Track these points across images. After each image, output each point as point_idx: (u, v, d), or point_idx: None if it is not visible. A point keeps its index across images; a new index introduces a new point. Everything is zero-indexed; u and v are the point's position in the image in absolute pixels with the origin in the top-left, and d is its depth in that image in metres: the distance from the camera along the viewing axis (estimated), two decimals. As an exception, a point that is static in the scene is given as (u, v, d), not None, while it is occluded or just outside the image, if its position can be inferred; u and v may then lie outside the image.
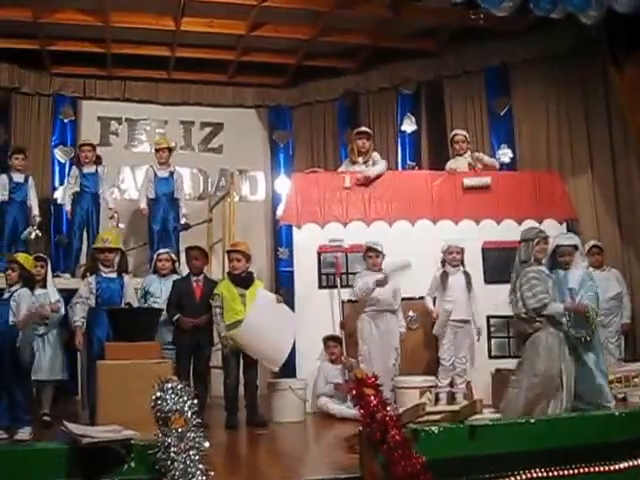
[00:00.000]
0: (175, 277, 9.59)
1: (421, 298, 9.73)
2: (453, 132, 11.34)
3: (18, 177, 11.19)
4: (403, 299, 9.52)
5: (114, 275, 8.65)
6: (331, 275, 10.06)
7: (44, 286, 9.16)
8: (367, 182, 10.46)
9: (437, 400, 9.13)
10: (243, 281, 8.73)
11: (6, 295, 7.82)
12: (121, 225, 11.93)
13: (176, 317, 8.64)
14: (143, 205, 11.75)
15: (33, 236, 10.99)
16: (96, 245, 9.03)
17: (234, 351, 8.49)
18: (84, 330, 8.58)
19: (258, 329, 8.41)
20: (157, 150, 11.85)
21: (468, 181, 10.55)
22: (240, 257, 8.78)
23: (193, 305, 8.76)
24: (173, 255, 10.05)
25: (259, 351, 8.55)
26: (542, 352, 7.10)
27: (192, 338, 8.63)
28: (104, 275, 8.59)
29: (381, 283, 9.09)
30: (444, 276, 9.47)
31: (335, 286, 9.95)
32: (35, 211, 11.26)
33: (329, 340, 9.48)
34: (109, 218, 11.63)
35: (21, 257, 8.20)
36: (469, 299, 9.47)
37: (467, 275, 9.54)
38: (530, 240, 7.52)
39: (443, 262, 9.56)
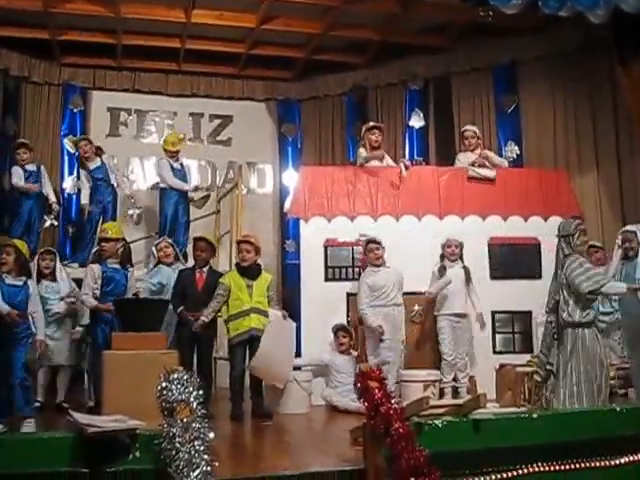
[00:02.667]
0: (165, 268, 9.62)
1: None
2: (463, 127, 11.37)
3: (31, 166, 11.29)
4: (407, 293, 9.56)
5: (117, 266, 8.71)
6: (337, 268, 10.09)
7: (53, 279, 9.24)
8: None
9: (442, 395, 9.19)
10: (251, 272, 8.75)
11: (16, 282, 7.67)
12: (137, 210, 12.01)
13: (179, 309, 8.63)
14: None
15: (48, 224, 11.23)
16: (98, 235, 9.13)
17: (239, 342, 8.55)
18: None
19: (268, 354, 8.45)
20: (171, 151, 11.82)
21: (472, 172, 10.55)
22: (250, 248, 8.80)
23: (195, 296, 8.72)
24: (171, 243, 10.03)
25: (269, 374, 8.64)
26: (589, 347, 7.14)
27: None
28: (109, 265, 8.65)
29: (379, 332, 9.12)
30: (442, 269, 9.56)
31: (342, 279, 10.01)
32: (52, 198, 11.44)
33: (339, 330, 9.50)
34: (130, 201, 11.87)
35: (17, 242, 8.19)
36: (467, 294, 9.52)
37: (466, 269, 9.59)
38: (570, 235, 7.44)
39: (442, 256, 9.65)
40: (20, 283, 7.70)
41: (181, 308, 8.63)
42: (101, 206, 11.54)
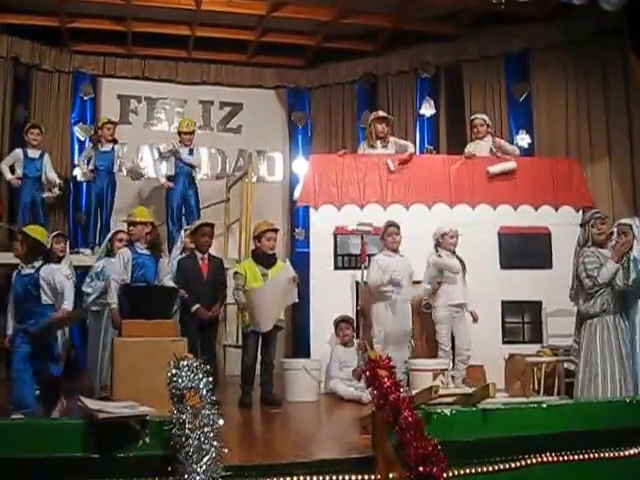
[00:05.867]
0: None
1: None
2: (473, 116, 11.32)
3: (33, 153, 11.21)
4: (416, 282, 9.50)
5: (147, 252, 8.18)
6: (346, 256, 10.10)
7: (59, 262, 9.12)
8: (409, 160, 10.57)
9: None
10: (267, 260, 8.78)
11: (28, 270, 7.35)
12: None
13: (195, 308, 8.53)
14: (163, 180, 11.88)
15: (55, 192, 11.33)
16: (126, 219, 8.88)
17: (253, 331, 8.57)
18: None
19: (272, 293, 8.51)
20: (185, 133, 11.84)
21: (493, 169, 10.52)
22: (276, 237, 8.89)
23: (201, 284, 8.67)
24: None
25: (266, 309, 8.57)
26: (596, 337, 7.14)
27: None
28: (139, 251, 8.15)
29: (395, 283, 9.10)
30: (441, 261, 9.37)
31: (351, 267, 10.01)
32: (56, 180, 11.35)
33: (341, 322, 9.50)
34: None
35: (28, 229, 7.67)
36: (464, 283, 9.44)
37: (461, 260, 9.43)
38: (586, 223, 7.42)
39: (437, 247, 9.40)
40: (32, 271, 7.35)
41: (197, 306, 8.54)
42: (99, 191, 11.60)
